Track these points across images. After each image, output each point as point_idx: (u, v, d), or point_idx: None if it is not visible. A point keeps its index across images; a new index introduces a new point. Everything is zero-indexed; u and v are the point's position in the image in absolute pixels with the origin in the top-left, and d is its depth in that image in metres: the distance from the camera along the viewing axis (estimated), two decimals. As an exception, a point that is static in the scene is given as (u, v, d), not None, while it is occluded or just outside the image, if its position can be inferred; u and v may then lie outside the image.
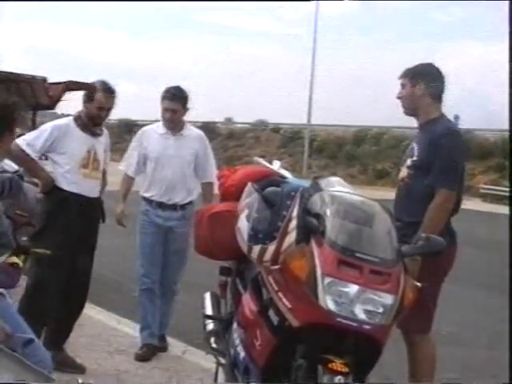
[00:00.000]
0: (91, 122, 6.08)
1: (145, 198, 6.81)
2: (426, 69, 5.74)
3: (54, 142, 5.95)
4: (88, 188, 6.03)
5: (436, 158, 5.33)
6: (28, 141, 5.96)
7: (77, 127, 6.05)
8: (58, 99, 48.51)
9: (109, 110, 6.13)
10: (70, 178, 5.96)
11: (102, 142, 6.21)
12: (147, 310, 6.74)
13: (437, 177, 5.32)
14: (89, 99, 6.05)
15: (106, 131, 6.29)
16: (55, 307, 6.03)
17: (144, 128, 7.17)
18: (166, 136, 6.79)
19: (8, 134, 4.17)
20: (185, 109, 6.81)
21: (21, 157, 5.99)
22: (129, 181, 7.01)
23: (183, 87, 6.84)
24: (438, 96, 5.65)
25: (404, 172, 5.67)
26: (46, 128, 6.04)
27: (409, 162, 5.62)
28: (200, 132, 7.10)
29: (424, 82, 5.57)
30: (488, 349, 7.62)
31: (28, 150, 5.93)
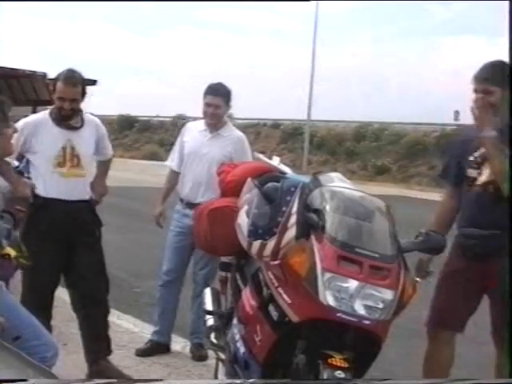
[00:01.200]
0: (59, 114, 5.75)
1: (179, 197, 6.76)
2: (504, 71, 5.00)
3: (26, 140, 5.68)
4: (69, 189, 5.73)
5: None
6: None
7: (52, 122, 5.76)
8: (58, 95, 46.40)
9: (73, 101, 5.68)
10: (47, 181, 5.69)
11: (84, 135, 5.83)
12: (160, 307, 6.74)
13: None
14: (52, 91, 5.79)
15: (95, 122, 5.99)
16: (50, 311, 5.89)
17: (188, 124, 7.03)
18: (203, 133, 6.67)
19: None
20: (227, 105, 6.67)
21: None
22: (172, 176, 6.89)
23: (225, 84, 6.72)
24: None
25: (488, 176, 5.08)
26: (19, 125, 5.60)
27: None
28: (241, 135, 6.84)
29: (500, 89, 4.97)
30: (486, 343, 7.60)
31: None
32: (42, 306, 5.58)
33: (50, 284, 5.81)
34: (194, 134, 6.69)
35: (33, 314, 5.34)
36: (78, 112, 5.76)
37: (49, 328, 5.48)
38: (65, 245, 5.74)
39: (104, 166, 6.22)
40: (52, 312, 5.89)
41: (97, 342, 5.89)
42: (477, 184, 5.13)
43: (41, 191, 5.64)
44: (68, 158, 5.67)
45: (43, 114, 5.85)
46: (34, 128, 5.71)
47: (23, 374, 3.12)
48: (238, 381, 4.44)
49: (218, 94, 6.54)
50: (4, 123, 4.28)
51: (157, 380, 5.38)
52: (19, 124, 5.68)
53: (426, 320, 5.52)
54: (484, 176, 5.09)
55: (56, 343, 4.39)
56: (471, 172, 5.17)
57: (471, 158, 5.18)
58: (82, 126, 5.79)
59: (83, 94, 5.76)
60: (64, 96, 5.66)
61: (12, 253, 4.45)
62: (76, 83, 5.68)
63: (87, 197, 5.89)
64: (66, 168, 5.66)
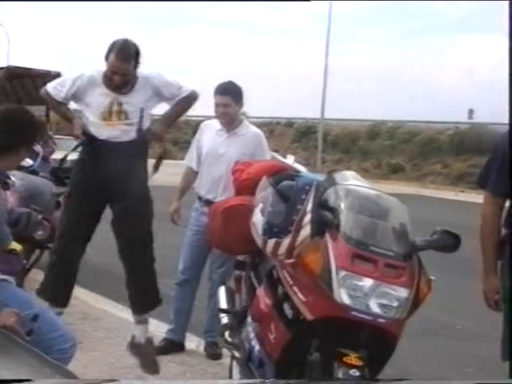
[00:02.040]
0: (110, 82, 5.70)
1: (197, 195, 6.76)
2: None
3: (78, 91, 5.72)
4: (117, 135, 5.72)
5: None
6: (54, 86, 5.83)
7: (102, 81, 5.72)
8: (72, 94, 46.64)
9: (124, 75, 5.63)
10: (96, 130, 5.72)
11: (133, 96, 5.75)
12: (175, 305, 6.75)
13: None
14: (106, 58, 5.66)
15: (148, 78, 5.81)
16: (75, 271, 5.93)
17: (205, 122, 6.99)
18: (220, 133, 6.63)
19: (24, 149, 4.19)
20: (238, 104, 6.60)
21: (48, 100, 5.96)
22: (189, 174, 6.87)
23: (235, 82, 6.68)
24: None
25: None
26: (72, 76, 5.81)
27: None
28: (257, 132, 6.80)
29: None
30: (497, 341, 7.60)
31: (53, 93, 5.80)
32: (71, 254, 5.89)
33: (84, 228, 5.91)
34: (211, 133, 6.66)
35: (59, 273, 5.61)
36: (130, 79, 5.71)
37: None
38: (107, 192, 5.77)
39: (174, 107, 6.07)
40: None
41: (144, 293, 5.92)
42: None
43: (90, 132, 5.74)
44: (114, 113, 5.67)
45: (96, 72, 5.77)
46: (86, 81, 5.71)
47: (39, 373, 3.12)
48: (259, 381, 4.43)
49: (227, 93, 6.51)
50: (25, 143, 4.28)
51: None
52: (73, 75, 5.81)
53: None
54: None
55: (73, 333, 4.40)
56: None
57: None
58: (131, 89, 5.74)
59: (136, 67, 5.71)
60: (115, 70, 5.61)
61: (18, 247, 4.47)
62: (129, 58, 5.62)
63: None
64: (112, 121, 5.67)
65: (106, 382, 3.74)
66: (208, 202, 6.45)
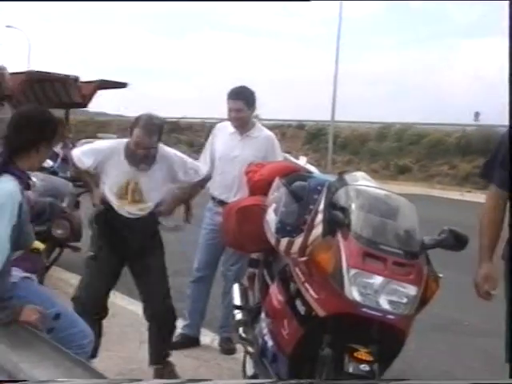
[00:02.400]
0: (132, 154, 5.58)
1: (210, 195, 6.77)
2: None
3: (100, 163, 5.64)
4: (128, 211, 5.70)
5: None
6: (79, 156, 5.74)
7: (124, 156, 5.60)
8: (90, 97, 48.60)
9: (148, 148, 5.52)
10: (112, 203, 5.70)
11: (152, 173, 5.65)
12: (190, 302, 6.76)
13: None
14: (130, 132, 5.57)
15: (168, 155, 5.78)
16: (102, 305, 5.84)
17: (219, 124, 6.95)
18: (233, 136, 6.61)
19: (44, 145, 4.19)
20: (250, 108, 6.56)
21: (74, 169, 5.99)
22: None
23: (248, 87, 6.63)
24: None
25: None
26: (96, 147, 5.84)
27: None
28: (269, 134, 6.75)
29: None
30: (502, 337, 7.59)
31: (79, 165, 5.76)
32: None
33: (107, 283, 5.84)
34: (224, 136, 6.64)
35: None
36: (152, 152, 5.62)
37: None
38: (123, 253, 5.76)
39: (187, 190, 6.19)
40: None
41: (163, 345, 5.93)
42: None
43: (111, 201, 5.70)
44: (130, 192, 5.62)
45: (119, 144, 5.71)
46: (108, 154, 5.65)
47: (61, 366, 3.12)
48: (293, 381, 4.42)
49: (239, 98, 6.47)
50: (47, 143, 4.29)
51: (205, 380, 5.34)
52: (97, 147, 5.82)
53: None
54: None
55: (91, 330, 4.41)
56: None
57: None
58: (151, 166, 5.65)
59: (159, 139, 5.63)
60: (140, 143, 5.50)
61: (40, 247, 4.49)
62: (154, 132, 5.52)
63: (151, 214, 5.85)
64: (126, 201, 5.64)
65: (131, 382, 3.73)
66: (221, 203, 6.45)
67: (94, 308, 5.66)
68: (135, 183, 5.60)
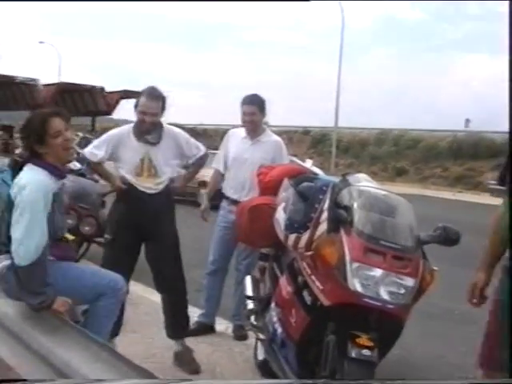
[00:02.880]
0: (140, 128, 5.65)
1: (223, 195, 6.78)
2: None
3: (112, 150, 5.67)
4: (146, 187, 5.68)
5: None
6: (91, 150, 5.77)
7: (133, 136, 5.65)
8: (114, 106, 48.69)
9: (154, 115, 5.57)
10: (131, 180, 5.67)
11: (162, 148, 5.70)
12: (206, 292, 6.75)
13: None
14: (135, 105, 5.65)
15: (173, 132, 5.82)
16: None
17: (231, 130, 6.95)
18: (244, 140, 6.61)
19: (50, 138, 4.19)
20: (262, 113, 6.58)
21: (89, 165, 5.99)
22: (217, 176, 6.83)
23: (259, 94, 6.64)
24: None
25: None
26: (105, 137, 5.80)
27: None
28: (278, 139, 6.76)
29: None
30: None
31: (92, 159, 5.77)
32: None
33: (128, 259, 5.78)
34: (237, 140, 6.66)
35: None
36: (157, 126, 5.67)
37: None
38: (142, 231, 5.71)
39: (194, 167, 6.19)
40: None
41: (176, 321, 5.89)
42: None
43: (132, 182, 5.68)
44: (145, 169, 5.63)
45: (127, 128, 5.75)
46: (118, 140, 5.69)
47: (114, 366, 3.06)
48: (309, 381, 4.40)
49: (253, 103, 6.52)
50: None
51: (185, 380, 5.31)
52: (105, 136, 5.79)
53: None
54: None
55: (123, 281, 4.46)
56: None
57: None
58: (159, 140, 5.68)
59: (163, 109, 5.66)
60: (146, 110, 5.54)
61: (70, 237, 4.49)
62: (158, 98, 5.59)
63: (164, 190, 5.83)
64: (144, 177, 5.63)
65: (182, 381, 3.71)
66: (234, 202, 6.45)
67: None
68: (149, 159, 5.62)
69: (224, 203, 6.71)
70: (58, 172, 4.16)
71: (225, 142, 6.81)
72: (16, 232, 3.95)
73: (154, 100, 5.56)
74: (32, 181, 4.00)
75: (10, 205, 4.04)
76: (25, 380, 3.32)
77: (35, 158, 4.15)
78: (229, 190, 6.66)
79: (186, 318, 5.96)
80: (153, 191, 5.67)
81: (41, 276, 3.96)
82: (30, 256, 3.90)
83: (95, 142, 5.90)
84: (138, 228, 5.67)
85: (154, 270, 5.82)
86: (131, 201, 5.67)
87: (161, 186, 5.70)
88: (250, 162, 6.43)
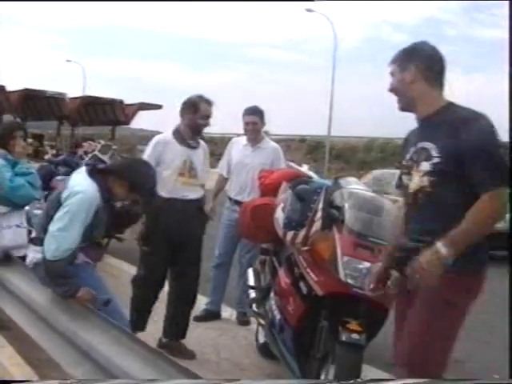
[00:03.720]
0: (193, 132, 5.48)
1: (227, 196, 6.78)
2: (417, 48, 3.38)
3: (159, 155, 5.42)
4: (185, 192, 5.48)
5: (473, 154, 3.08)
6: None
7: (175, 140, 5.45)
8: (132, 117, 48.68)
9: (209, 118, 5.47)
10: (170, 186, 5.41)
11: (200, 153, 5.60)
12: (213, 283, 6.75)
13: (484, 177, 3.06)
14: (194, 111, 5.40)
15: (203, 143, 5.72)
16: (155, 300, 5.56)
17: (234, 139, 7.01)
18: (246, 147, 6.63)
19: (133, 190, 4.22)
20: (262, 122, 6.62)
21: None
22: (222, 180, 6.83)
23: (259, 106, 6.69)
24: (435, 79, 3.33)
25: (420, 180, 3.26)
26: (149, 150, 5.50)
27: (425, 166, 3.24)
28: (275, 146, 6.80)
29: (415, 65, 3.31)
30: (482, 313, 7.60)
31: None
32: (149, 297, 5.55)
33: (163, 270, 5.56)
34: (239, 147, 6.69)
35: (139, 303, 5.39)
36: (199, 134, 5.60)
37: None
38: (176, 240, 5.46)
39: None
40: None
41: (177, 327, 5.64)
42: (409, 192, 3.37)
43: (163, 194, 5.34)
44: (187, 170, 5.48)
45: (167, 135, 5.54)
46: (163, 146, 5.45)
47: (165, 373, 2.98)
48: (313, 381, 4.39)
49: (255, 114, 6.55)
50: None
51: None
52: (152, 141, 5.56)
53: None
54: (414, 183, 3.32)
55: (127, 317, 4.36)
56: (404, 178, 3.44)
57: (403, 162, 3.49)
58: (198, 146, 5.58)
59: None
60: (208, 114, 5.45)
61: (104, 242, 4.49)
62: (211, 104, 5.52)
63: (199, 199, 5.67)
64: (186, 177, 5.47)
65: (229, 382, 3.69)
66: (237, 202, 6.47)
67: (150, 302, 5.57)
68: (190, 161, 5.47)
69: (227, 204, 6.72)
70: (107, 196, 4.14)
71: (228, 150, 6.83)
72: (53, 226, 3.97)
73: (211, 105, 5.50)
74: (84, 192, 4.00)
75: (57, 204, 4.05)
76: (27, 381, 3.28)
77: (101, 173, 4.18)
78: (232, 191, 6.68)
79: (187, 320, 5.73)
80: (189, 197, 5.49)
81: (62, 271, 3.95)
82: (57, 254, 3.91)
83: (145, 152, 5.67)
84: (172, 239, 5.44)
85: (175, 270, 5.60)
86: (173, 214, 5.40)
87: (198, 192, 5.58)
88: (251, 166, 6.46)
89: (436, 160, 3.18)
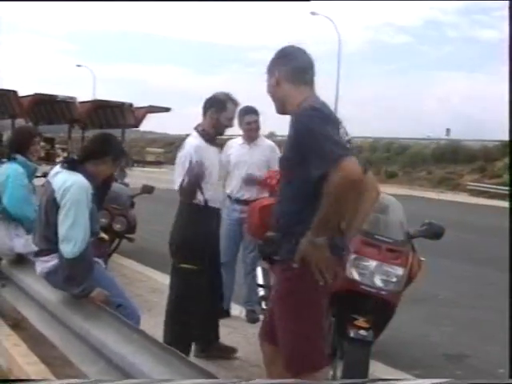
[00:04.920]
0: (215, 132, 5.16)
1: (228, 195, 6.77)
2: (280, 53, 3.51)
3: (200, 161, 4.93)
4: (218, 198, 5.31)
5: (303, 142, 3.21)
6: (176, 178, 5.09)
7: (205, 143, 5.09)
8: (141, 119, 48.81)
9: (233, 119, 5.31)
10: (216, 188, 5.22)
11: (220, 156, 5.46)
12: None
13: (321, 157, 3.12)
14: (220, 109, 5.08)
15: (270, 142, 5.67)
16: (200, 317, 5.20)
17: (228, 142, 6.86)
18: (243, 145, 6.62)
19: (111, 160, 4.27)
20: (259, 120, 6.59)
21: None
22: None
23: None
24: (298, 78, 3.43)
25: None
26: (180, 165, 5.01)
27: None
28: (271, 143, 6.80)
29: (277, 69, 3.44)
30: (471, 308, 7.60)
31: (177, 188, 5.04)
32: (192, 317, 5.17)
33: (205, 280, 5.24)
34: (235, 147, 6.66)
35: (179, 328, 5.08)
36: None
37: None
38: (213, 248, 5.35)
39: None
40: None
41: (216, 328, 5.56)
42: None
43: (209, 197, 5.06)
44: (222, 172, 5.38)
45: (195, 138, 5.11)
46: (199, 151, 4.99)
47: (178, 373, 2.96)
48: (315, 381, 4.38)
49: (255, 113, 6.51)
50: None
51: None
52: (190, 151, 5.01)
53: None
54: None
55: (139, 311, 4.34)
56: None
57: None
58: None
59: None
60: (233, 116, 5.29)
61: (106, 237, 4.51)
62: (238, 105, 5.39)
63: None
64: (222, 180, 5.41)
65: (244, 381, 3.67)
66: (236, 200, 6.49)
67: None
68: (219, 163, 5.35)
69: (228, 203, 6.70)
70: (93, 179, 4.17)
71: (225, 151, 6.79)
72: (63, 228, 3.97)
73: (237, 107, 5.38)
74: (76, 182, 4.02)
75: (56, 207, 4.05)
76: (27, 380, 3.27)
77: (79, 164, 4.19)
78: (231, 189, 6.67)
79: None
80: (219, 205, 5.31)
81: (85, 267, 3.96)
82: (76, 249, 3.92)
83: (175, 175, 5.18)
84: (208, 248, 5.17)
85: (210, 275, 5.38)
86: (211, 222, 5.16)
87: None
88: (250, 162, 6.50)
89: (286, 154, 3.42)
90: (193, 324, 5.15)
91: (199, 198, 4.96)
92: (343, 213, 3.17)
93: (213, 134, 5.20)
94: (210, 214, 5.12)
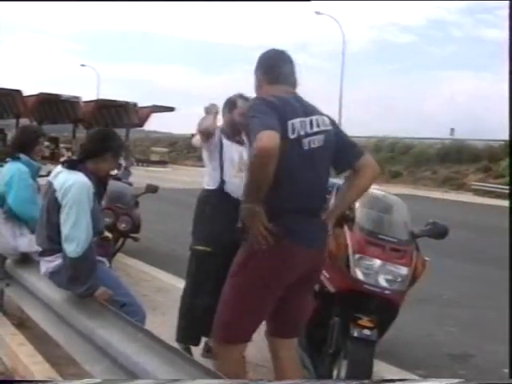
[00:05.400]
0: (231, 129, 5.22)
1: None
2: (259, 58, 3.82)
3: (220, 153, 5.16)
4: (239, 189, 4.84)
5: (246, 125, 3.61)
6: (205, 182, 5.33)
7: (226, 139, 5.22)
8: (145, 119, 48.78)
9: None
10: (232, 182, 5.17)
11: (244, 149, 5.23)
12: None
13: (252, 136, 3.33)
14: (233, 107, 5.19)
15: None
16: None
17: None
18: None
19: (110, 156, 4.26)
20: None
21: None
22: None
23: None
24: (275, 78, 3.72)
25: None
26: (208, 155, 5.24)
27: None
28: None
29: (257, 72, 3.78)
30: (476, 308, 7.59)
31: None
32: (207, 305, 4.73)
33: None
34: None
35: (194, 316, 4.99)
36: None
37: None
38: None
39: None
40: None
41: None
42: None
43: (228, 188, 5.14)
44: (242, 165, 5.15)
45: (217, 133, 5.21)
46: (220, 145, 5.19)
47: (183, 372, 2.95)
48: (318, 382, 4.36)
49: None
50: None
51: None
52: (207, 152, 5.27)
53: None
54: None
55: (145, 309, 4.33)
56: None
57: None
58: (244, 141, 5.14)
59: None
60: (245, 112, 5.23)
61: (110, 236, 4.51)
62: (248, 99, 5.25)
63: None
64: (241, 172, 5.07)
65: (255, 381, 3.68)
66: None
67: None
68: (241, 157, 5.25)
69: None
70: (94, 177, 4.17)
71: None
72: (65, 228, 3.97)
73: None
74: (77, 181, 4.02)
75: (57, 207, 4.05)
76: (28, 381, 3.28)
77: (80, 163, 4.19)
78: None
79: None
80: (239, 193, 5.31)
81: (89, 267, 3.96)
82: (79, 249, 3.91)
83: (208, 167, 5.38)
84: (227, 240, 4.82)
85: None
86: (229, 209, 4.88)
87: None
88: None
89: None
90: (205, 311, 4.75)
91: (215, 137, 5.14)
92: (265, 179, 3.28)
93: (230, 131, 5.26)
94: (228, 201, 5.08)
